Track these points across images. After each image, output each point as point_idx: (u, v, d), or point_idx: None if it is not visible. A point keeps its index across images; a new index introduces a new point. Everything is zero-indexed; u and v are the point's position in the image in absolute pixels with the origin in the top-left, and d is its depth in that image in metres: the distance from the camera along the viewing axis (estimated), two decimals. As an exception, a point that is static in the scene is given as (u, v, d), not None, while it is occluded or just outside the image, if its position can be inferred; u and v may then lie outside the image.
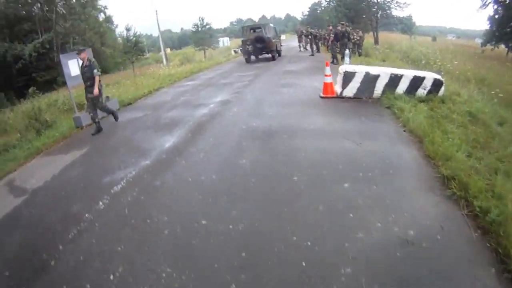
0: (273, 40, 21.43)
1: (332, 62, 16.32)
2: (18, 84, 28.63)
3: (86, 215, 4.40)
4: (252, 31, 21.99)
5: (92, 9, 39.31)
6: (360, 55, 20.99)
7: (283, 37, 75.59)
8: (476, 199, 3.54)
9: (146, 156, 6.21)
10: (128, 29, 37.95)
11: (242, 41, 21.92)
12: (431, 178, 4.22)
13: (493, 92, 9.92)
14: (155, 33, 44.69)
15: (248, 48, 21.15)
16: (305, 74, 13.49)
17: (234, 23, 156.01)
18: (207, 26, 44.76)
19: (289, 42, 48.13)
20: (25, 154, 7.86)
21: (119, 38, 40.35)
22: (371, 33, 36.09)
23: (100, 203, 4.66)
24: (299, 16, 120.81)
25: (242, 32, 23.06)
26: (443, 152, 4.59)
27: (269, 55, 21.58)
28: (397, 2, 33.47)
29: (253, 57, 21.98)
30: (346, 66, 8.87)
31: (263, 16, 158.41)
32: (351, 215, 3.63)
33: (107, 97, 10.78)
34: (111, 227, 4.08)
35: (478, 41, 66.04)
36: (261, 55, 21.66)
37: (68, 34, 34.40)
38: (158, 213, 4.14)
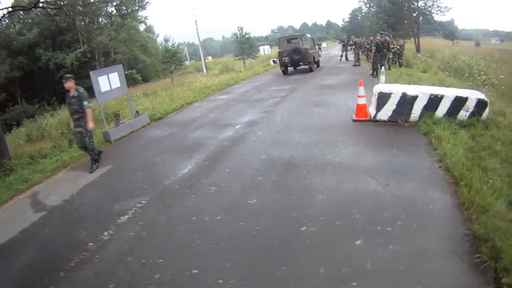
0: (310, 51, 20.93)
1: (372, 75, 15.82)
2: (60, 91, 28.25)
3: (90, 244, 4.46)
4: (288, 42, 21.45)
5: (133, 20, 40.04)
6: (400, 65, 20.31)
7: (323, 44, 75.27)
8: (507, 273, 2.83)
9: (159, 185, 6.10)
10: (166, 40, 38.95)
11: (279, 52, 21.41)
12: (461, 237, 3.54)
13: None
14: (197, 41, 44.95)
15: (284, 60, 20.74)
16: (341, 89, 12.99)
17: (276, 30, 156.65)
18: (246, 36, 44.62)
19: (329, 51, 47.52)
20: (53, 166, 8.26)
21: (160, 47, 41.20)
22: (412, 39, 35.00)
23: (105, 233, 4.67)
24: (340, 23, 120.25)
25: (279, 43, 22.49)
26: (479, 201, 3.93)
27: (306, 67, 21.16)
28: (438, 6, 32.29)
29: (291, 68, 21.72)
30: (381, 86, 8.34)
31: (304, 23, 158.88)
32: (354, 283, 3.12)
33: (137, 112, 10.96)
34: (108, 263, 4.03)
35: None
36: (298, 66, 21.55)
37: (107, 45, 35.56)
38: (155, 254, 4.01)
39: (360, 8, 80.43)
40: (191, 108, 13.77)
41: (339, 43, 30.43)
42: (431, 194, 4.53)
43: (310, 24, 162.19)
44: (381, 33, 18.39)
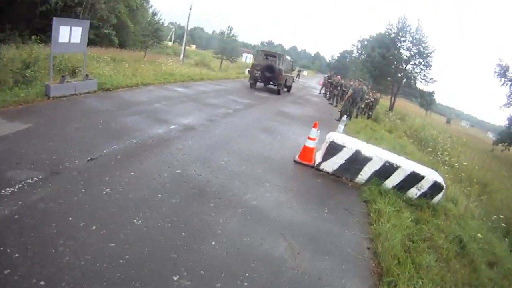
0: (284, 74, 19.81)
1: (339, 119, 14.99)
2: (36, 26, 26.87)
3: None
4: (265, 57, 20.46)
5: None
6: (369, 117, 19.68)
7: (304, 73, 75.20)
8: None
9: (59, 165, 4.96)
10: (154, 14, 37.23)
11: (252, 64, 20.36)
12: None
13: (492, 208, 8.97)
14: (188, 26, 43.36)
15: (255, 74, 19.62)
16: (299, 122, 12.05)
17: (265, 43, 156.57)
18: (233, 37, 43.48)
19: (308, 80, 47.11)
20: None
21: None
22: (389, 97, 34.92)
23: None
24: (328, 58, 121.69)
25: (256, 55, 21.62)
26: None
27: (275, 88, 20.27)
28: (424, 75, 32.24)
29: (260, 84, 20.65)
30: (335, 135, 7.28)
31: (294, 47, 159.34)
32: None
33: (87, 75, 10.18)
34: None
35: (490, 135, 66.06)
36: (269, 84, 20.43)
37: None
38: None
39: (351, 51, 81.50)
40: (144, 90, 12.57)
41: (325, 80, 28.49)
42: (345, 282, 3.71)
43: (299, 49, 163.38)
44: (360, 81, 17.70)
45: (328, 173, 6.95)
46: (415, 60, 32.10)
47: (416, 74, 32.68)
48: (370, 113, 20.07)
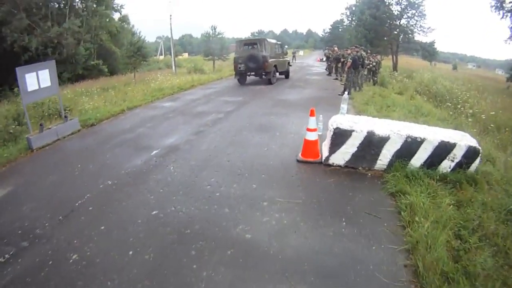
0: (271, 60, 17.54)
1: (343, 93, 13.80)
2: None
3: None
4: (245, 46, 18.40)
5: (105, 7, 37.70)
6: (375, 83, 18.45)
7: (300, 53, 73.72)
8: None
9: (18, 243, 4.14)
10: (133, 34, 36.38)
11: (234, 58, 18.44)
12: None
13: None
14: (177, 36, 42.43)
15: (240, 68, 17.61)
16: (299, 109, 10.79)
17: (256, 33, 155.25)
18: (219, 36, 42.22)
19: (304, 60, 45.67)
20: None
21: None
22: (390, 57, 33.42)
23: None
24: (320, 33, 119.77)
25: (236, 47, 19.33)
26: None
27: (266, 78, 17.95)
28: (421, 26, 30.70)
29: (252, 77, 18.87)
30: (339, 119, 6.01)
31: (285, 30, 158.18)
32: None
33: (66, 116, 9.45)
34: None
35: (499, 72, 64.97)
36: (258, 76, 18.12)
37: (78, 31, 33.41)
38: None
39: (341, 20, 79.46)
40: (129, 115, 11.62)
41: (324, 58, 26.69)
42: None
43: (290, 31, 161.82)
44: (356, 47, 16.33)
45: (340, 166, 5.78)
46: (408, 12, 30.59)
47: (412, 27, 31.16)
48: (375, 78, 18.91)
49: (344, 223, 4.16)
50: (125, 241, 3.95)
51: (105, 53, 38.54)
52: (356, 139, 5.52)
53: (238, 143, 7.53)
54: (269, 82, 17.69)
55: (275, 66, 18.26)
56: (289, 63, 21.73)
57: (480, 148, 5.33)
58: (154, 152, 7.13)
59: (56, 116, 11.25)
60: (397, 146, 5.37)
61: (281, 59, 20.01)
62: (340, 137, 5.61)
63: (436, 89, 16.93)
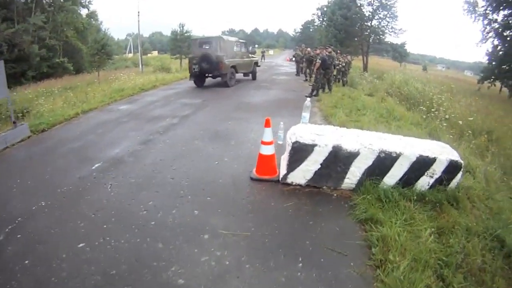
0: (227, 61, 15.62)
1: (311, 95, 12.97)
2: None
3: None
4: (200, 46, 16.26)
5: (72, 3, 36.31)
6: (344, 84, 17.82)
7: (270, 52, 73.17)
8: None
9: None
10: (98, 30, 35.09)
11: (189, 58, 16.76)
12: None
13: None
14: (147, 33, 41.11)
15: (194, 69, 15.69)
16: (262, 113, 9.77)
17: (226, 32, 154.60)
18: (186, 34, 41.11)
19: (274, 59, 44.91)
20: None
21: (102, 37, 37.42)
22: (360, 57, 33.07)
23: None
24: (291, 33, 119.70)
25: (190, 46, 18.32)
26: None
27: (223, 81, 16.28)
28: (392, 27, 30.40)
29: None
30: (300, 130, 5.10)
31: (256, 29, 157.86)
32: None
33: (14, 122, 8.47)
34: None
35: (468, 73, 66.67)
36: (213, 78, 16.59)
37: (43, 27, 32.29)
38: None
39: (312, 20, 79.33)
40: (82, 119, 10.40)
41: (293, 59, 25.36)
42: None
43: (262, 30, 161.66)
44: (326, 47, 15.58)
45: (301, 186, 4.86)
46: (379, 13, 30.26)
47: (383, 28, 30.82)
48: (345, 79, 18.36)
49: (301, 264, 3.28)
50: (47, 282, 3.11)
51: (71, 51, 37.24)
52: (320, 155, 4.62)
53: (188, 155, 6.53)
54: (227, 85, 15.94)
55: (233, 67, 16.35)
56: (256, 63, 20.13)
57: (462, 162, 4.57)
58: (96, 165, 6.10)
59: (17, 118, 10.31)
60: (368, 162, 4.52)
61: (245, 59, 18.19)
62: (300, 152, 4.70)
63: (408, 91, 16.28)
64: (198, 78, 16.37)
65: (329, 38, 33.77)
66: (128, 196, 4.79)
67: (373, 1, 30.22)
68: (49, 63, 32.11)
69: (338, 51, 20.94)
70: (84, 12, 42.38)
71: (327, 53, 14.42)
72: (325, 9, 59.85)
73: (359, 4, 30.91)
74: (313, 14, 76.48)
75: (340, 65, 17.96)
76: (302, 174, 4.77)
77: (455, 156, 4.57)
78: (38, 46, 28.66)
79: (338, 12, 32.63)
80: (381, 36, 31.63)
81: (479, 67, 36.65)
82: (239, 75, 17.94)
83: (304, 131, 5.03)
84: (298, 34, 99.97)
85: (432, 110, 11.56)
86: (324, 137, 4.77)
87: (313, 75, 14.32)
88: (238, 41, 17.94)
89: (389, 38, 32.57)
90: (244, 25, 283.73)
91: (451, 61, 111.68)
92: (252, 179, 5.23)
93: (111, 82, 20.59)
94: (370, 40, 31.95)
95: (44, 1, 34.31)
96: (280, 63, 36.73)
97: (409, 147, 4.62)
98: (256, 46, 45.43)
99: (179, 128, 8.63)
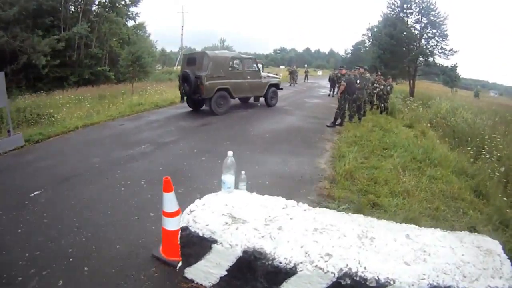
0: (211, 83, 12.33)
1: (333, 124, 10.95)
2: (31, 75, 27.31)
3: None
4: (188, 64, 13.52)
5: (116, 14, 36.11)
6: (382, 111, 15.66)
7: (319, 72, 70.80)
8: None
9: None
10: (133, 43, 34.77)
11: (179, 76, 14.47)
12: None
13: None
14: (200, 46, 41.07)
15: (182, 88, 13.21)
16: (258, 147, 8.20)
17: (278, 51, 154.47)
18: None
19: (319, 80, 42.64)
20: None
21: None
22: (408, 81, 30.45)
23: None
24: (342, 54, 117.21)
25: (182, 62, 15.25)
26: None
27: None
28: (442, 48, 27.58)
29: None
30: (204, 207, 3.02)
31: (307, 48, 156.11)
32: None
33: (8, 131, 8.74)
34: None
35: None
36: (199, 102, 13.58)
37: (88, 36, 32.48)
38: None
39: (363, 41, 76.59)
40: (75, 135, 9.94)
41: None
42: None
43: (313, 50, 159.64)
44: (358, 68, 13.26)
45: None
46: (428, 32, 27.59)
47: (432, 48, 28.00)
48: (386, 104, 15.93)
49: None
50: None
51: (116, 60, 37.29)
52: (223, 258, 2.53)
53: (111, 201, 5.13)
54: (212, 112, 12.77)
55: (224, 89, 13.04)
56: (276, 85, 15.83)
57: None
58: (35, 192, 5.37)
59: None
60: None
61: (250, 80, 14.29)
62: (192, 246, 2.67)
63: (455, 122, 13.70)
64: (190, 100, 13.75)
65: (374, 59, 31.43)
66: None
67: (421, 19, 27.59)
68: (92, 70, 32.19)
69: (379, 73, 18.68)
70: (131, 23, 42.54)
71: (357, 74, 12.24)
72: (375, 29, 57.40)
73: (406, 21, 28.31)
74: (363, 34, 73.81)
75: (378, 89, 15.69)
76: (204, 275, 2.70)
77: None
78: (45, 59, 28.00)
79: (384, 31, 30.20)
80: (429, 57, 28.73)
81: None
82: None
83: (213, 207, 2.93)
84: (349, 55, 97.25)
85: (483, 150, 9.08)
86: (240, 228, 2.65)
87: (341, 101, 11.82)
88: (238, 58, 14.55)
89: (439, 60, 29.43)
90: (296, 44, 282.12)
91: (503, 87, 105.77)
92: (154, 257, 3.59)
93: (141, 94, 20.03)
94: (419, 62, 29.21)
95: (93, 11, 34.84)
96: (324, 84, 34.68)
97: (418, 264, 2.41)
98: (306, 66, 43.57)
99: (142, 159, 7.34)
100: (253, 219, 2.80)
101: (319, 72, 72.71)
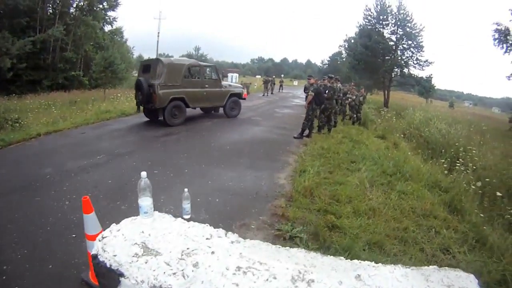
0: (164, 92, 11.44)
1: (299, 136, 10.46)
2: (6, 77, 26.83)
3: None
4: (143, 71, 12.68)
5: (93, 18, 35.66)
6: (354, 122, 15.30)
7: (295, 83, 70.71)
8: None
9: None
10: (106, 48, 34.22)
11: (135, 84, 12.82)
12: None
13: None
14: (177, 54, 40.44)
15: (139, 97, 12.23)
16: (215, 160, 7.62)
17: (255, 61, 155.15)
18: (202, 58, 39.55)
19: (294, 90, 42.36)
20: None
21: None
22: (382, 92, 30.36)
23: None
24: (319, 64, 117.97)
25: (139, 69, 13.94)
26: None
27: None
28: (417, 59, 27.55)
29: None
30: (118, 233, 2.28)
31: (285, 59, 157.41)
32: None
33: None
34: None
35: (496, 110, 63.93)
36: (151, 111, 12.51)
37: (63, 39, 32.35)
38: None
39: (340, 52, 77.08)
40: (35, 143, 9.59)
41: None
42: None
43: (290, 60, 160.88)
44: (329, 77, 12.74)
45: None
46: (403, 44, 27.59)
47: (407, 59, 27.98)
48: (358, 114, 15.64)
49: None
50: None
51: (88, 65, 36.53)
52: None
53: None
54: (165, 121, 11.75)
55: (179, 99, 12.03)
56: (238, 95, 14.78)
57: None
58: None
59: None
60: None
61: (208, 89, 13.25)
62: (102, 276, 2.11)
63: (428, 133, 13.32)
64: (146, 110, 12.77)
65: (350, 70, 31.31)
66: None
67: (397, 30, 27.55)
68: (66, 74, 31.90)
69: (352, 83, 18.36)
70: (108, 28, 42.31)
71: (328, 84, 11.76)
72: (352, 41, 57.67)
73: (381, 32, 28.22)
74: (340, 46, 74.29)
75: (350, 99, 15.32)
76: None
77: None
78: (10, 61, 27.18)
79: (359, 42, 30.10)
80: (404, 68, 28.70)
81: (507, 103, 33.50)
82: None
83: (127, 235, 2.34)
84: (325, 65, 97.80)
85: (458, 161, 8.61)
86: (150, 261, 2.06)
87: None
88: (196, 65, 13.42)
89: (414, 71, 29.40)
90: (274, 54, 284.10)
91: (478, 97, 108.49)
92: (83, 280, 3.38)
93: (111, 101, 20.11)
94: (393, 72, 29.15)
95: (70, 14, 34.69)
96: (298, 94, 34.34)
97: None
98: (282, 75, 43.39)
99: (94, 171, 6.91)
100: (168, 251, 2.19)
101: (295, 82, 73.09)
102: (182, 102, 12.16)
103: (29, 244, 4.01)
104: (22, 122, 12.22)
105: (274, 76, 33.04)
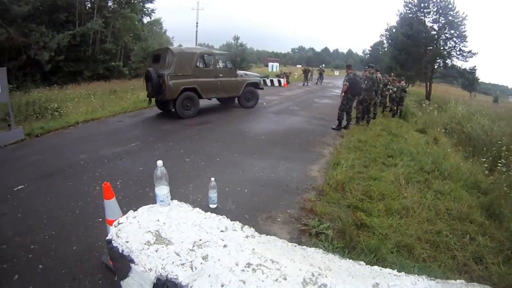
0: (174, 82, 10.89)
1: (337, 127, 10.29)
2: (45, 69, 27.66)
3: None
4: (154, 61, 12.23)
5: (131, 11, 36.26)
6: (394, 115, 14.99)
7: (336, 72, 69.53)
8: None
9: None
10: (145, 39, 34.96)
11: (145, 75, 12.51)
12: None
13: None
14: (218, 44, 41.03)
15: (149, 88, 11.87)
16: (246, 148, 7.58)
17: (296, 50, 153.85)
18: (241, 47, 39.52)
19: (335, 80, 41.49)
20: None
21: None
22: (424, 84, 29.38)
23: None
24: (360, 54, 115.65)
25: (150, 60, 13.80)
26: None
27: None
28: (460, 50, 26.44)
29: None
30: (134, 219, 2.38)
31: (326, 48, 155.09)
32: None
33: (9, 125, 8.94)
34: None
35: None
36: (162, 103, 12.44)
37: (103, 31, 33.08)
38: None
39: (381, 42, 75.07)
40: (74, 130, 9.88)
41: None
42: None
43: (332, 50, 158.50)
44: (367, 68, 12.37)
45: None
46: (446, 33, 26.50)
47: (450, 50, 26.87)
48: (400, 106, 15.17)
49: None
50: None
51: (128, 56, 37.73)
52: (143, 280, 1.92)
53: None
54: (177, 113, 11.30)
55: (191, 89, 11.48)
56: (255, 84, 14.07)
57: None
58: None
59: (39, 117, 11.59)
60: None
61: (222, 79, 12.56)
62: (116, 261, 2.23)
63: (470, 129, 12.75)
64: (159, 101, 12.33)
65: (391, 60, 30.42)
66: None
67: (439, 18, 26.50)
68: (106, 65, 32.67)
69: (393, 74, 17.82)
70: (146, 19, 42.81)
71: (367, 74, 11.43)
72: (393, 30, 55.79)
73: (423, 21, 27.21)
74: (381, 35, 72.20)
75: (391, 91, 14.87)
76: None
77: None
78: (48, 54, 27.68)
79: (400, 31, 29.13)
80: (447, 59, 27.57)
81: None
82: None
83: (142, 222, 2.33)
84: (367, 55, 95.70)
85: (500, 161, 8.18)
86: (160, 250, 2.02)
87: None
88: (208, 53, 12.68)
89: (457, 63, 28.28)
90: (315, 44, 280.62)
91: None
92: (103, 263, 3.53)
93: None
94: (436, 63, 28.11)
95: (108, 7, 35.14)
96: (339, 84, 33.86)
97: None
98: (323, 65, 42.14)
99: (127, 158, 7.06)
100: (180, 241, 2.15)
101: (336, 72, 71.87)
102: (194, 93, 11.66)
103: (57, 226, 4.19)
104: (62, 111, 12.46)
105: (319, 67, 32.42)
